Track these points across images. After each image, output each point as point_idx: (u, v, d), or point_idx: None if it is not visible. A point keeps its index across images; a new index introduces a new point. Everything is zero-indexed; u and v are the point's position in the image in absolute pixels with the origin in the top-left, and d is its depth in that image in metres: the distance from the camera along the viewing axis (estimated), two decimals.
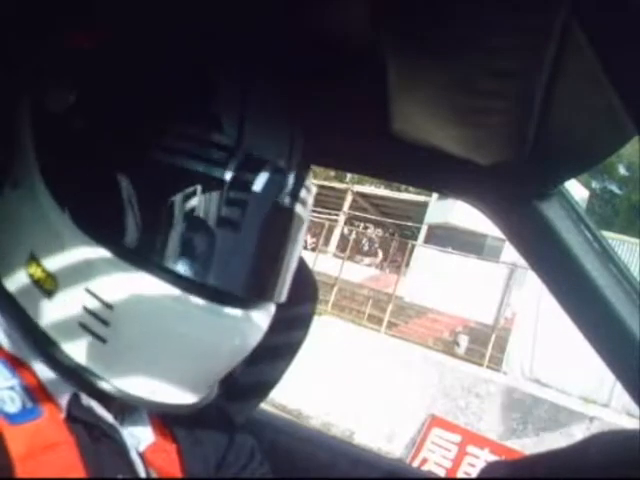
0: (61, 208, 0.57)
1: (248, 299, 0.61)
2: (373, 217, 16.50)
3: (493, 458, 5.62)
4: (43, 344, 0.57)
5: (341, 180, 16.42)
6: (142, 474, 0.61)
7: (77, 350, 0.57)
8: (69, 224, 0.56)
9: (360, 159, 0.90)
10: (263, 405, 0.97)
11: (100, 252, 0.55)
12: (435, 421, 6.37)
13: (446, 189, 0.89)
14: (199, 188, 0.55)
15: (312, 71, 0.75)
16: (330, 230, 14.44)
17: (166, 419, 0.68)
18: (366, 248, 16.92)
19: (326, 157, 0.86)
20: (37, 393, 0.56)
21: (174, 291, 0.56)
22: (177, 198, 0.55)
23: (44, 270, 0.56)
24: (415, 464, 5.79)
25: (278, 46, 0.72)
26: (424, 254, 11.79)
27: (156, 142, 0.55)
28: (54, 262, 0.56)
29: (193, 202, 0.55)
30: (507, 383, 6.71)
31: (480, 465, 5.40)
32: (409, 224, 15.66)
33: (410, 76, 0.64)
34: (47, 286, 0.56)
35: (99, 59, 0.60)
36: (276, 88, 0.64)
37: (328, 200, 14.79)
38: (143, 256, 0.55)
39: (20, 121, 0.61)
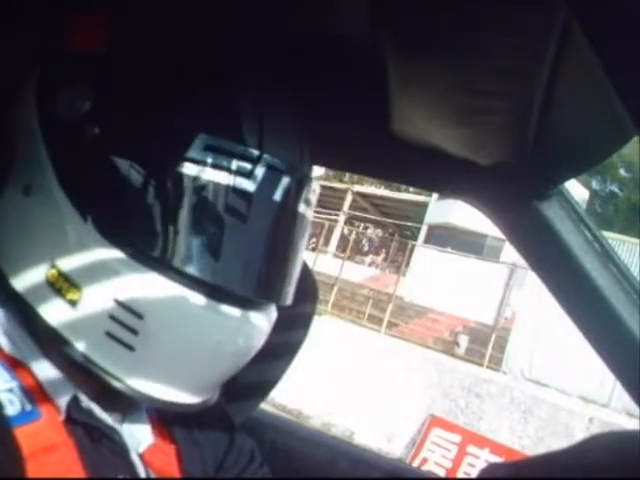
0: (83, 216, 0.56)
1: (265, 303, 0.63)
2: (373, 217, 16.50)
3: (493, 458, 5.63)
4: (54, 343, 0.57)
5: (341, 180, 16.42)
6: (142, 475, 0.61)
7: (99, 355, 0.56)
8: (93, 233, 0.56)
9: (360, 159, 0.90)
10: (263, 405, 0.97)
11: (127, 261, 0.55)
12: (435, 421, 6.37)
13: (446, 189, 0.89)
14: (221, 196, 0.56)
15: (312, 71, 0.75)
16: (330, 230, 14.45)
17: (165, 420, 0.68)
18: (366, 248, 16.92)
19: (326, 157, 0.86)
20: (36, 395, 0.55)
21: (203, 299, 0.57)
22: (201, 206, 0.56)
23: (67, 278, 0.56)
24: (415, 464, 5.79)
25: (279, 47, 0.72)
26: (424, 254, 11.79)
27: (176, 150, 0.55)
28: (78, 270, 0.56)
29: (217, 210, 0.56)
30: (507, 383, 6.72)
31: (480, 465, 5.40)
32: (409, 224, 15.66)
33: (410, 76, 0.64)
34: (70, 295, 0.56)
35: (115, 65, 0.59)
36: (285, 90, 0.65)
37: (328, 200, 14.79)
38: (170, 264, 0.55)
39: (28, 126, 0.60)
